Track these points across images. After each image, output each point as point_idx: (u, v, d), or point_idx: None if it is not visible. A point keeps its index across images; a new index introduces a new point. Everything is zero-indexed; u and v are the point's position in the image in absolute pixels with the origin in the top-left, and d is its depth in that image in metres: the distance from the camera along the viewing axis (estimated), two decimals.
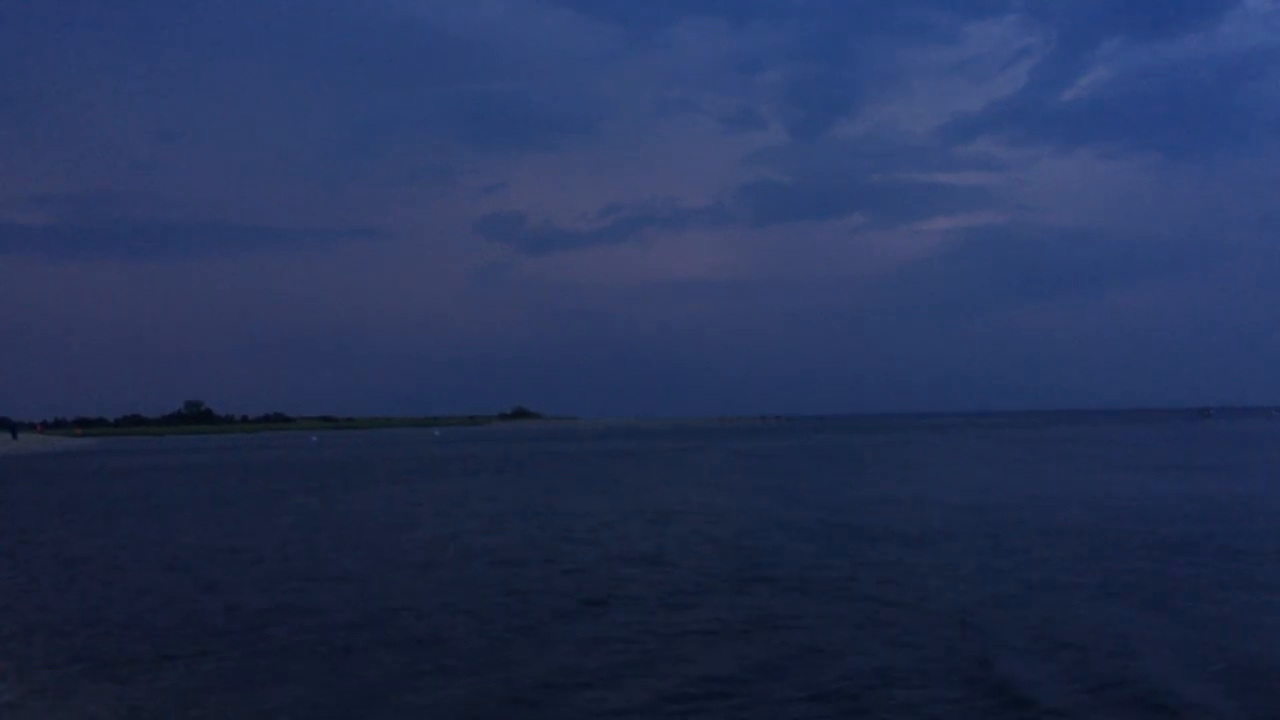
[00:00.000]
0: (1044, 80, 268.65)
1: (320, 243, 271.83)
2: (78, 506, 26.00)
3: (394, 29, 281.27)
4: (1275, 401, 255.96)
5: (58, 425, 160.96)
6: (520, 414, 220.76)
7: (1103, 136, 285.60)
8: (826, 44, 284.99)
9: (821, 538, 16.64)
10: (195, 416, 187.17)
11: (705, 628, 9.96)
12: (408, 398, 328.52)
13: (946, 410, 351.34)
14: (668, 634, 9.72)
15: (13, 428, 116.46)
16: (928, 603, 10.98)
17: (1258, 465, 34.80)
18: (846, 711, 7.27)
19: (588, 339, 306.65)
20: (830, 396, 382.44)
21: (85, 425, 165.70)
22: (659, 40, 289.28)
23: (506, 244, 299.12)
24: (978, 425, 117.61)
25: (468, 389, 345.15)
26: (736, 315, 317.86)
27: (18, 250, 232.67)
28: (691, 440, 77.04)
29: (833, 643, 9.23)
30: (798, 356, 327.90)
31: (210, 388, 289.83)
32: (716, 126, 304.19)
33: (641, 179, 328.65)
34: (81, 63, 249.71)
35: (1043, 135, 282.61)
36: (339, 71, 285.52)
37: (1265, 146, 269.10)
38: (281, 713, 7.47)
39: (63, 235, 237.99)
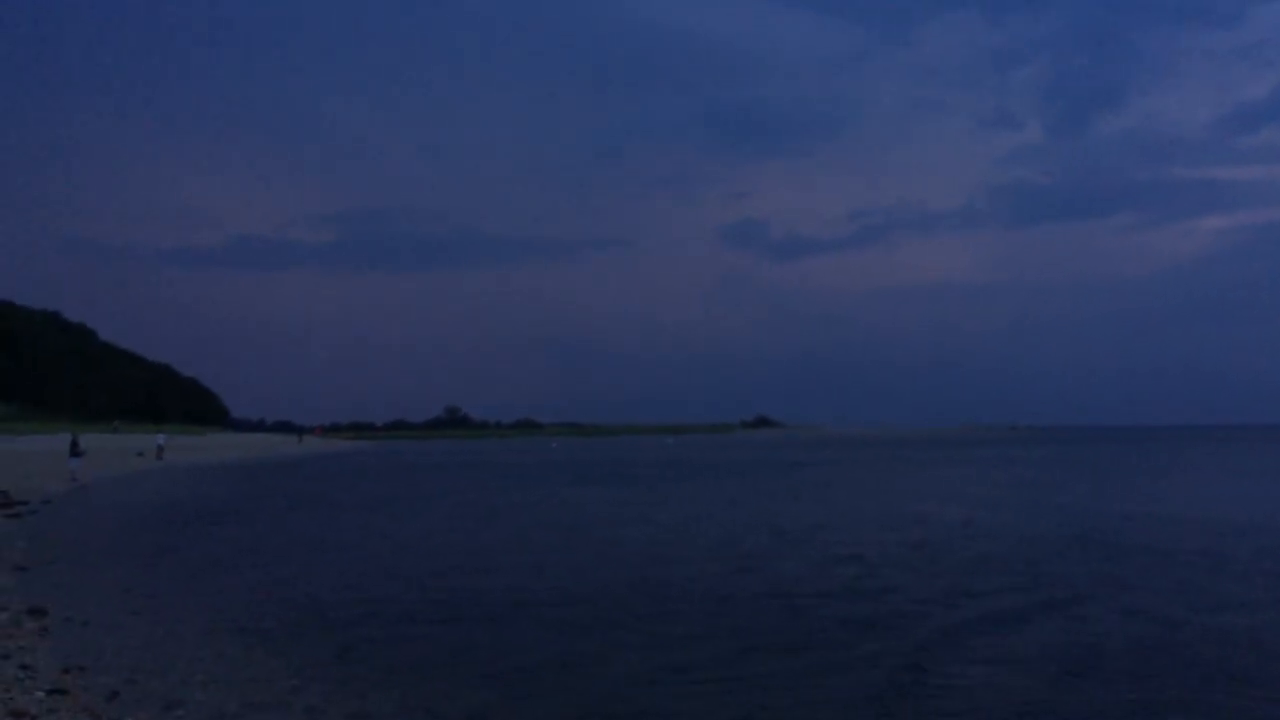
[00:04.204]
0: None
1: (568, 252, 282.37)
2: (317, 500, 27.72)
3: (637, 36, 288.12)
4: None
5: (334, 429, 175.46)
6: (762, 423, 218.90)
7: None
8: (1090, 33, 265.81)
9: (1051, 550, 14.69)
10: (454, 422, 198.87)
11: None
12: (652, 405, 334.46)
13: (1228, 422, 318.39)
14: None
15: (299, 432, 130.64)
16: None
17: None
18: None
19: (832, 346, 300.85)
20: (1091, 405, 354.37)
21: (356, 429, 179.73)
22: (907, 39, 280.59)
23: (749, 252, 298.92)
24: (1262, 438, 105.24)
25: (711, 397, 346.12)
26: (988, 320, 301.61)
27: (300, 266, 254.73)
28: (939, 451, 73.22)
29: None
30: (1054, 363, 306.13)
31: (467, 394, 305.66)
32: (968, 126, 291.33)
33: (889, 183, 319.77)
34: (350, 86, 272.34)
35: None
36: (582, 82, 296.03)
37: None
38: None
39: (336, 251, 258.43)
